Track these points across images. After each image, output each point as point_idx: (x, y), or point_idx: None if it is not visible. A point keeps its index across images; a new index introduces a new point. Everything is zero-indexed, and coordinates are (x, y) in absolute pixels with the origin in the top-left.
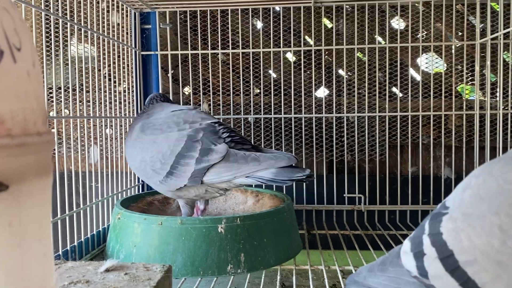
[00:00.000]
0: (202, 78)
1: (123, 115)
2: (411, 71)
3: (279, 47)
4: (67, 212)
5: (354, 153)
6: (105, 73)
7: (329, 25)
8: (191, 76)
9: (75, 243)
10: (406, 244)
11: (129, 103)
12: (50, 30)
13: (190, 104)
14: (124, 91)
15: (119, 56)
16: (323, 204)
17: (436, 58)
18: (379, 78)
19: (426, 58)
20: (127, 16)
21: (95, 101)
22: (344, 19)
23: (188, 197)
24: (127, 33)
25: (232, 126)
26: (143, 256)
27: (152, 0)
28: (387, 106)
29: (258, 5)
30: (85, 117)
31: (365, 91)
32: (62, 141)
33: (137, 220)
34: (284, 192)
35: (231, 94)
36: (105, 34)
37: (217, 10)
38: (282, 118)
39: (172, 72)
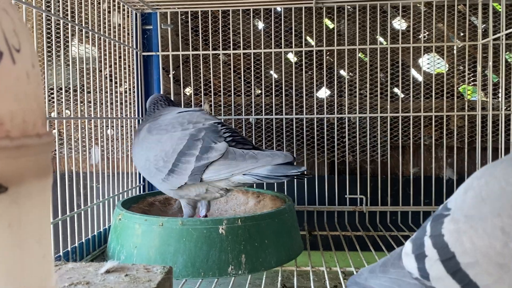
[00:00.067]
0: (203, 78)
1: (124, 116)
2: (413, 72)
3: (281, 47)
4: (68, 213)
5: (355, 154)
6: (106, 74)
7: (331, 26)
8: (192, 77)
9: (76, 244)
10: (408, 245)
11: (130, 103)
12: (52, 31)
13: (191, 105)
14: (125, 92)
15: (120, 57)
16: (324, 205)
17: (438, 59)
18: (380, 78)
19: (428, 59)
20: (128, 16)
21: (96, 101)
22: (346, 19)
23: (189, 196)
24: (128, 33)
25: (233, 127)
26: (144, 257)
27: (153, 1)
28: (388, 106)
29: (260, 5)
30: (86, 118)
31: (366, 91)
32: (63, 141)
33: (138, 221)
34: (286, 193)
35: (232, 94)
36: (106, 35)
37: (218, 10)
38: (284, 119)
39: (173, 72)
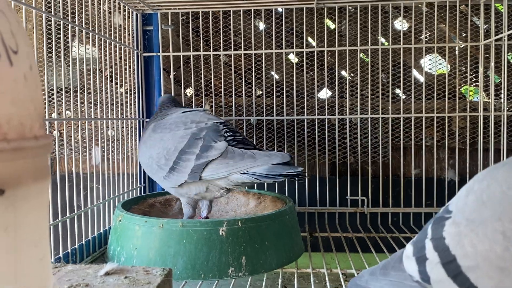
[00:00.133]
0: (204, 79)
1: (124, 117)
2: (414, 73)
3: (282, 48)
4: (68, 214)
5: (356, 155)
6: (107, 75)
7: (332, 26)
8: (193, 78)
9: (76, 246)
10: (409, 248)
11: (131, 104)
12: (52, 32)
13: (192, 106)
14: (126, 93)
15: (121, 58)
16: (325, 206)
17: (440, 59)
18: (382, 79)
19: (430, 59)
20: (129, 17)
21: (97, 102)
22: (347, 20)
23: (190, 195)
24: (129, 34)
25: (235, 127)
26: (144, 259)
27: (154, 2)
28: (390, 107)
29: (260, 6)
30: (86, 119)
31: (368, 92)
32: (63, 143)
33: (138, 222)
34: (287, 195)
35: (233, 95)
36: (107, 36)
37: (219, 11)
38: (285, 120)
39: (174, 73)
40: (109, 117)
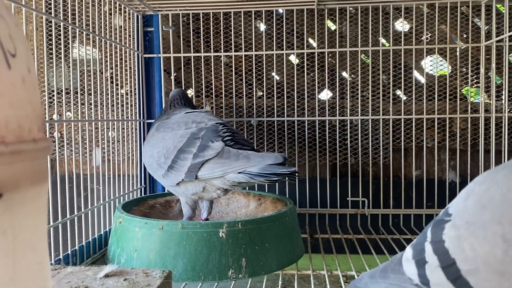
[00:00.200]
0: (205, 80)
1: (125, 118)
2: (415, 74)
3: (282, 49)
4: (68, 216)
5: (357, 156)
6: (108, 76)
7: (333, 27)
8: (193, 79)
9: (76, 247)
10: (408, 251)
11: (131, 105)
12: (52, 34)
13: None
14: (127, 94)
15: (121, 59)
16: (326, 207)
17: (441, 61)
18: (383, 80)
19: (431, 61)
20: (129, 19)
21: (97, 104)
22: (348, 21)
23: (187, 194)
24: (129, 35)
25: (235, 129)
26: (144, 261)
27: (154, 3)
28: (391, 109)
29: (261, 7)
30: (86, 120)
31: (368, 93)
32: (64, 144)
33: (138, 224)
34: (287, 196)
35: (234, 96)
36: (108, 37)
37: (220, 12)
38: (285, 121)
39: (174, 74)
40: (110, 118)
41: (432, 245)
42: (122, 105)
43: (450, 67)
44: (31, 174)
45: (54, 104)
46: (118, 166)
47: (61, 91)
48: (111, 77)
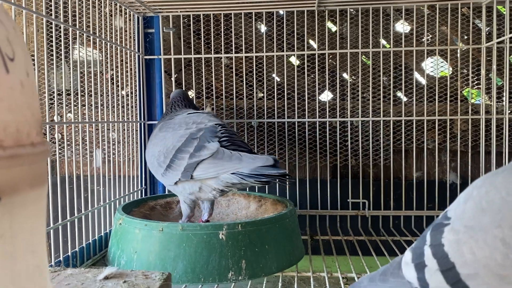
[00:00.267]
0: (206, 82)
1: (126, 119)
2: (416, 75)
3: (283, 51)
4: (68, 217)
5: (358, 158)
6: (108, 78)
7: (333, 29)
8: (194, 80)
9: (77, 249)
10: (407, 254)
11: (132, 107)
12: (53, 36)
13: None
14: (128, 95)
15: (122, 61)
16: (326, 209)
17: (442, 62)
18: (383, 82)
19: (431, 62)
20: (130, 20)
21: (98, 105)
22: (348, 22)
23: (184, 194)
24: (130, 37)
25: (235, 131)
26: (144, 263)
27: (155, 5)
28: (391, 110)
29: (262, 9)
30: (87, 122)
31: (369, 95)
32: (64, 145)
33: (138, 226)
34: (288, 198)
35: (234, 98)
36: (108, 39)
37: (220, 14)
38: (286, 123)
39: (175, 76)
40: (111, 119)
41: (431, 248)
42: (123, 107)
43: (451, 69)
44: (30, 178)
45: (54, 105)
46: (118, 167)
47: (62, 92)
48: (112, 79)
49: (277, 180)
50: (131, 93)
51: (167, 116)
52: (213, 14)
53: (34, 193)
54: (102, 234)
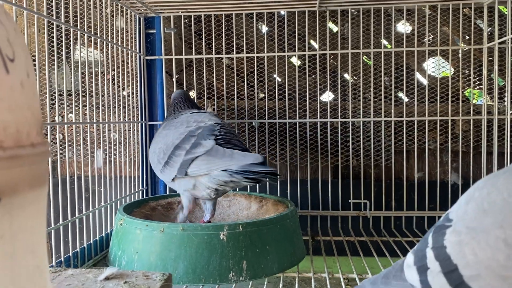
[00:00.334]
0: (207, 82)
1: (127, 120)
2: (418, 75)
3: (284, 51)
4: (69, 218)
5: (359, 158)
6: (109, 78)
7: (334, 29)
8: (195, 81)
9: (78, 249)
10: (409, 257)
11: (133, 107)
12: (54, 36)
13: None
14: (129, 96)
15: (123, 61)
16: (328, 209)
17: (443, 62)
18: (384, 82)
19: (433, 62)
20: (131, 21)
21: (99, 106)
22: (350, 23)
23: (181, 190)
24: (131, 37)
25: (236, 131)
26: (145, 263)
27: (156, 5)
28: (393, 110)
29: (263, 9)
30: (88, 123)
31: (370, 95)
32: (65, 146)
33: (139, 226)
34: (289, 198)
35: (236, 98)
36: (110, 39)
37: (221, 14)
38: (287, 123)
39: (176, 76)
40: (112, 120)
41: (434, 251)
42: (124, 107)
43: (452, 69)
44: (30, 179)
45: (56, 106)
46: (119, 168)
47: (63, 93)
48: (113, 79)
49: (266, 178)
50: (132, 93)
51: (171, 116)
52: (214, 14)
53: (34, 194)
54: (103, 234)
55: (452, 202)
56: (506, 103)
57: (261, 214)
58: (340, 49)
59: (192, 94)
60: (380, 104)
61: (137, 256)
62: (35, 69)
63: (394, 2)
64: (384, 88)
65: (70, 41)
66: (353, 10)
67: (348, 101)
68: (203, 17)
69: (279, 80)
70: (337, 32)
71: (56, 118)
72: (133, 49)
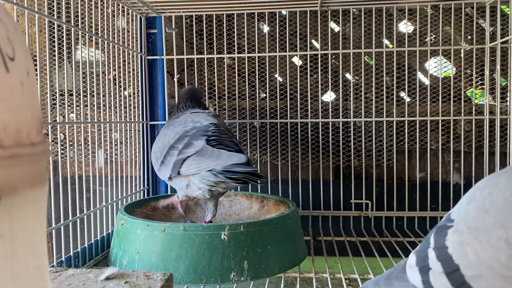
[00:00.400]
0: (208, 82)
1: (128, 120)
2: (419, 75)
3: (285, 51)
4: (71, 218)
5: (361, 158)
6: (110, 78)
7: (336, 29)
8: (197, 81)
9: (79, 249)
10: (412, 258)
11: (135, 107)
12: (60, 36)
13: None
14: (130, 96)
15: (124, 61)
16: (329, 210)
17: (445, 62)
18: (386, 82)
19: (435, 62)
20: (132, 20)
21: (100, 105)
22: (351, 22)
23: (177, 190)
24: (133, 37)
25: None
26: (146, 263)
27: (158, 5)
28: (394, 110)
29: (264, 9)
30: (90, 122)
31: (372, 95)
32: (66, 146)
33: (140, 226)
34: (290, 198)
35: (237, 98)
36: (111, 39)
37: (223, 14)
38: (288, 123)
39: (178, 76)
40: (113, 120)
41: (435, 251)
42: (125, 107)
43: (454, 69)
44: (30, 178)
45: (57, 106)
46: (121, 168)
47: (65, 93)
48: (114, 79)
49: (248, 179)
50: (134, 93)
51: (175, 115)
52: (216, 14)
53: (34, 193)
54: (104, 234)
55: (454, 203)
56: (508, 103)
57: (263, 214)
58: (341, 49)
59: None
60: (382, 104)
61: (138, 256)
62: (37, 69)
63: (395, 1)
64: (385, 88)
65: (71, 41)
66: (354, 10)
67: (350, 101)
68: (204, 17)
69: (281, 80)
70: (338, 31)
71: (58, 118)
72: (135, 49)
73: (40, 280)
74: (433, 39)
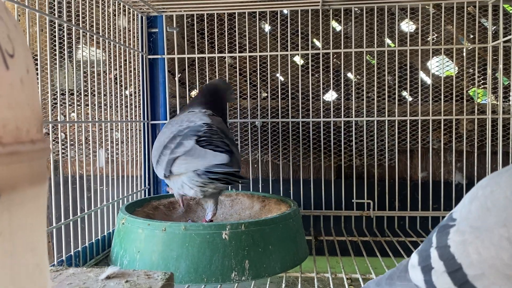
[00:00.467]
0: (209, 81)
1: (129, 119)
2: (421, 75)
3: (287, 50)
4: (71, 217)
5: (363, 158)
6: (111, 77)
7: (338, 28)
8: (198, 80)
9: (79, 248)
10: (414, 257)
11: (136, 106)
12: (61, 35)
13: None
14: (131, 95)
15: (126, 60)
16: (331, 209)
17: (447, 61)
18: (388, 81)
19: (437, 61)
20: (134, 20)
21: (101, 105)
22: (353, 21)
23: (174, 189)
24: (134, 37)
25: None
26: (147, 262)
27: (159, 4)
28: (396, 110)
29: (266, 8)
30: (91, 122)
31: (374, 94)
32: (67, 145)
33: (141, 225)
34: (292, 198)
35: (238, 97)
36: (112, 38)
37: (224, 13)
38: (290, 122)
39: (179, 75)
40: (114, 119)
41: (438, 250)
42: (126, 106)
43: (456, 68)
44: (29, 175)
45: (58, 105)
46: (122, 167)
47: (66, 92)
48: (116, 78)
49: (230, 179)
50: (135, 92)
51: (176, 115)
52: (217, 13)
53: (34, 191)
54: (105, 233)
55: (456, 202)
56: (511, 102)
57: (264, 213)
58: (343, 48)
59: (195, 93)
60: (384, 104)
61: (139, 255)
62: (37, 68)
63: (397, 0)
64: (387, 87)
65: (72, 40)
66: (356, 9)
67: (352, 100)
68: (205, 16)
69: (282, 79)
70: (340, 31)
71: (59, 117)
72: (136, 48)
73: (40, 278)
74: (435, 38)
